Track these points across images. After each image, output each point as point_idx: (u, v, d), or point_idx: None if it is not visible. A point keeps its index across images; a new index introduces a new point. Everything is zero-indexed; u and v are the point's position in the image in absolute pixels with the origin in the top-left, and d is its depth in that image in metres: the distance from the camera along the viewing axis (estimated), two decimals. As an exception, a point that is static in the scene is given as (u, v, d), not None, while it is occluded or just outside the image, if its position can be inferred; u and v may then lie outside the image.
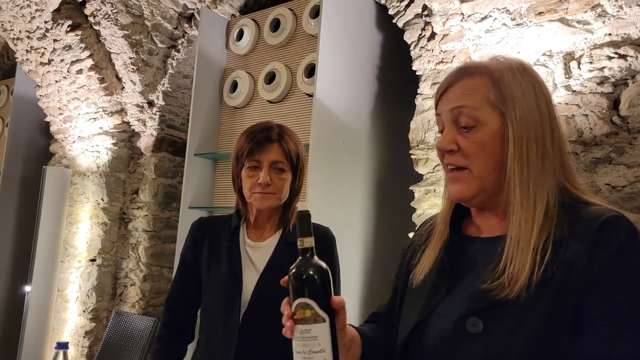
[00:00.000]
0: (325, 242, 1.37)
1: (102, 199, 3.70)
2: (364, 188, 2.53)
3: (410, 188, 2.06)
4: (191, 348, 1.45)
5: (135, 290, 3.54)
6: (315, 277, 0.80)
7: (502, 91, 0.85)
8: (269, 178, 1.31)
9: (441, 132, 0.92)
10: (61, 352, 1.14)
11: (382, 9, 2.47)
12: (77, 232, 3.81)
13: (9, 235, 4.72)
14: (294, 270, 0.82)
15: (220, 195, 3.18)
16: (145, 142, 3.60)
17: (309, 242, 0.82)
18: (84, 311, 3.63)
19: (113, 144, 3.72)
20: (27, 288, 3.73)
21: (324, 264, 0.82)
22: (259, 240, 1.37)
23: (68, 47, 3.47)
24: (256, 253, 1.35)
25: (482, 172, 0.86)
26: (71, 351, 3.45)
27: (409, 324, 0.91)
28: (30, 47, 3.64)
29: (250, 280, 1.31)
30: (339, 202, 2.38)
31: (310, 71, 2.52)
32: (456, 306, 0.86)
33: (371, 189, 2.57)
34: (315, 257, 0.82)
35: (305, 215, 0.83)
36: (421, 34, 2.13)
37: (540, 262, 0.80)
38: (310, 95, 2.48)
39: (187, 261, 1.41)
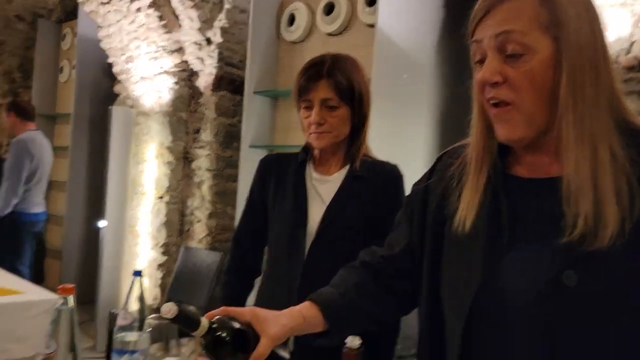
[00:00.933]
0: (392, 180, 1.33)
1: (166, 138, 3.79)
2: (428, 124, 2.41)
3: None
4: (258, 282, 1.49)
5: (202, 227, 3.67)
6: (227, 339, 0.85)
7: (554, 12, 0.75)
8: (321, 117, 1.26)
9: (480, 62, 0.81)
10: (138, 280, 1.18)
11: None
12: (144, 171, 3.96)
13: (82, 175, 5.00)
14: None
15: (280, 134, 3.16)
16: (204, 81, 3.60)
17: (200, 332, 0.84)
18: (156, 245, 3.83)
19: (174, 83, 3.75)
20: (102, 223, 3.96)
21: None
22: (325, 174, 1.35)
23: (126, -15, 3.45)
24: (323, 186, 1.34)
25: (532, 108, 0.76)
26: (146, 282, 3.68)
27: (471, 281, 0.81)
28: (90, -14, 3.66)
29: (316, 212, 1.30)
30: (401, 139, 2.29)
31: (372, 0, 2.37)
32: (539, 259, 0.77)
33: (435, 125, 2.45)
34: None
35: (173, 320, 0.82)
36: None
37: (629, 203, 0.71)
38: (372, 26, 2.35)
39: (254, 197, 1.42)
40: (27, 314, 1.96)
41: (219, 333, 0.85)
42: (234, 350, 0.87)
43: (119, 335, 1.18)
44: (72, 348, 0.96)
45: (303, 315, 0.95)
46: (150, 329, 1.08)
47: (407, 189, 1.35)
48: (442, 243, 0.89)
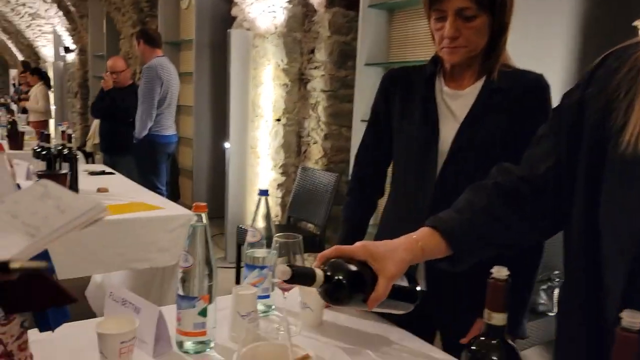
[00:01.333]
0: (536, 91, 1.16)
1: (282, 60, 3.79)
2: (571, 26, 2.11)
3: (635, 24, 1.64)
4: (381, 203, 1.46)
5: (318, 148, 3.71)
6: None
7: None
8: (456, 29, 1.10)
9: None
10: (263, 199, 1.20)
11: None
12: (262, 94, 4.04)
13: (206, 99, 5.25)
14: None
15: (397, 49, 2.99)
16: (318, -3, 3.48)
17: (317, 284, 0.85)
18: (275, 166, 3.97)
19: (287, 2, 3.67)
20: (226, 145, 4.18)
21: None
22: (458, 88, 1.21)
23: None
24: (455, 102, 1.21)
25: None
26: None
27: None
28: None
29: (448, 130, 1.18)
30: (540, 52, 2.03)
31: None
32: None
33: (578, 36, 2.13)
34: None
35: (289, 281, 0.81)
36: None
37: None
38: None
39: (378, 114, 1.33)
40: (166, 228, 2.15)
41: (335, 278, 0.84)
42: (352, 293, 0.86)
43: (249, 252, 1.23)
44: (208, 262, 1.01)
45: (421, 247, 0.90)
46: (277, 245, 1.10)
47: (554, 102, 1.19)
48: (602, 165, 0.76)
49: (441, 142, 1.19)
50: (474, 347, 0.69)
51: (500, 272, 0.65)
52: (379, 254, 0.87)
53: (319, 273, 0.83)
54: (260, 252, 1.24)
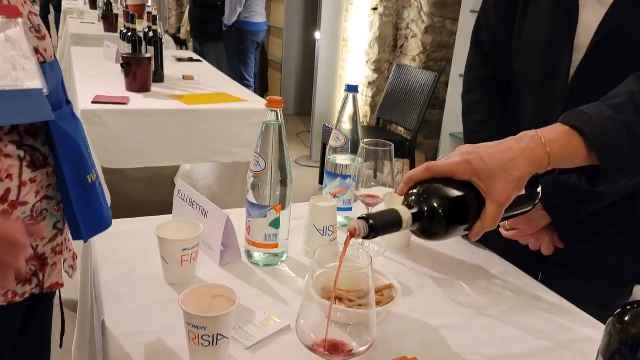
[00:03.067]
0: None
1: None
2: None
3: None
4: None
5: (416, 43, 3.36)
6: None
7: None
8: None
9: None
10: (351, 96, 1.01)
11: None
12: (359, -21, 3.66)
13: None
14: None
15: None
16: None
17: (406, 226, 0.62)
18: (367, 62, 3.69)
19: None
20: (317, 35, 3.92)
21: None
22: None
23: None
24: None
25: None
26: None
27: None
28: None
29: (591, 17, 0.88)
30: None
31: None
32: None
33: None
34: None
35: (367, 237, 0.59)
36: None
37: None
38: None
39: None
40: (250, 122, 2.05)
41: (427, 213, 0.63)
42: (451, 225, 0.65)
43: (331, 158, 1.07)
44: (282, 166, 0.87)
45: (548, 152, 0.66)
46: (364, 152, 0.93)
47: None
48: None
49: (580, 33, 0.89)
50: (630, 315, 0.49)
51: None
52: (487, 171, 0.65)
53: (405, 214, 0.62)
54: (344, 159, 1.07)
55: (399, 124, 3.21)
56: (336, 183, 1.06)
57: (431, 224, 0.63)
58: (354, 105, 1.07)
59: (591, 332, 0.81)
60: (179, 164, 2.70)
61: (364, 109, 3.78)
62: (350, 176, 1.05)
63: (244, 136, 2.04)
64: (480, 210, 0.66)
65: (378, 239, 1.05)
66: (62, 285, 0.72)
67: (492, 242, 1.01)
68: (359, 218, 0.59)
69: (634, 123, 0.69)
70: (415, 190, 0.66)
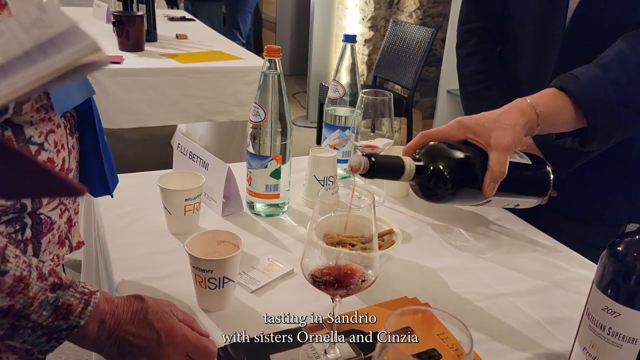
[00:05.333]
0: None
1: None
2: None
3: None
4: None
5: (413, -2, 3.30)
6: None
7: None
8: None
9: None
10: (349, 46, 1.00)
11: None
12: None
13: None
14: None
15: None
16: None
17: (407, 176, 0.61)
18: (363, 19, 3.62)
19: None
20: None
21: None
22: None
23: None
24: None
25: None
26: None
27: None
28: None
29: None
30: None
31: None
32: None
33: None
34: None
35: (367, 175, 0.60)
36: None
37: None
38: None
39: None
40: (245, 79, 2.03)
41: (431, 168, 0.62)
42: (456, 184, 0.64)
43: (329, 109, 1.07)
44: (282, 117, 0.87)
45: (534, 107, 0.69)
46: (363, 103, 0.93)
47: None
48: None
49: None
50: (624, 244, 0.51)
51: None
52: (479, 125, 0.67)
53: (409, 162, 0.62)
54: (343, 111, 1.07)
55: (396, 82, 3.18)
56: (335, 135, 1.07)
57: (434, 181, 0.63)
58: (352, 56, 1.06)
59: (585, 272, 0.83)
60: (175, 124, 2.69)
61: (360, 68, 3.74)
62: (349, 127, 1.05)
63: (240, 94, 2.03)
64: (483, 168, 0.65)
65: (377, 189, 1.06)
66: (83, 243, 0.73)
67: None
68: (363, 155, 0.59)
69: (620, 80, 0.71)
70: (418, 151, 0.67)
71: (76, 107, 0.65)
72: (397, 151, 1.10)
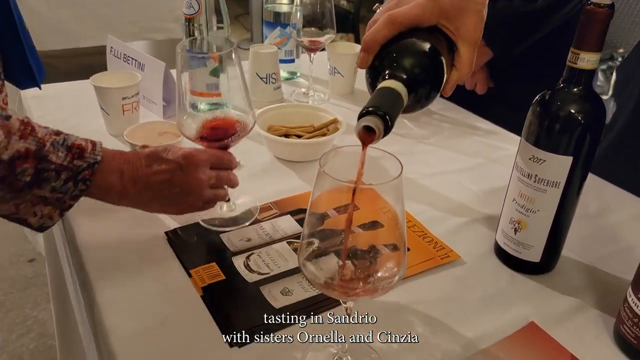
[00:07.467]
0: None
1: None
2: None
3: None
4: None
5: None
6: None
7: None
8: None
9: None
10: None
11: None
12: None
13: None
14: None
15: None
16: None
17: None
18: None
19: None
20: None
21: None
22: None
23: None
24: None
25: None
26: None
27: None
28: None
29: None
30: None
31: None
32: None
33: None
34: None
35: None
36: None
37: None
38: None
39: None
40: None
41: (419, 79, 0.50)
42: (431, 88, 0.54)
43: (269, 6, 1.04)
44: (217, 10, 0.84)
45: None
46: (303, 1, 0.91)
47: None
48: None
49: None
50: (548, 97, 0.54)
51: None
52: (454, 5, 0.56)
53: (401, 89, 0.48)
54: (283, 7, 1.04)
55: (341, -3, 3.10)
56: (276, 33, 1.04)
57: (423, 92, 0.53)
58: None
59: (520, 150, 0.88)
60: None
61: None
62: (289, 24, 1.02)
63: (177, 10, 1.93)
64: (451, 61, 0.57)
65: (321, 87, 1.06)
66: None
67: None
68: (365, 114, 0.45)
69: None
70: (389, 56, 0.53)
71: None
72: (341, 46, 1.09)
